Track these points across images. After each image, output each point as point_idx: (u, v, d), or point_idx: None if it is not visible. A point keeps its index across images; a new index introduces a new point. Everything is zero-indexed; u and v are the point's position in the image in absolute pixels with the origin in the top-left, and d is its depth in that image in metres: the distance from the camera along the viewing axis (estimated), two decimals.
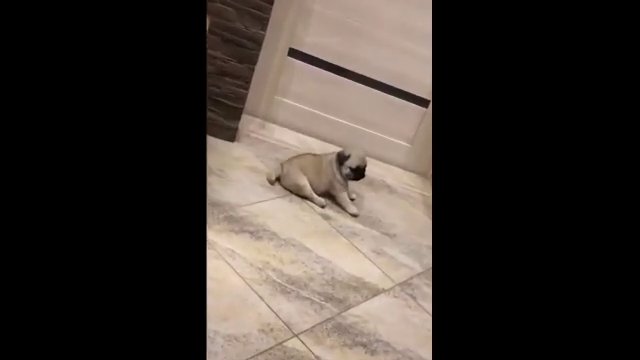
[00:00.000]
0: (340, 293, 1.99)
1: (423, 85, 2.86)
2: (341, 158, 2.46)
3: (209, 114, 2.56)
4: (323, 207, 2.45)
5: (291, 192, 2.46)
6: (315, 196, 2.45)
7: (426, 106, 2.94)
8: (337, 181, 2.48)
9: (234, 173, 2.44)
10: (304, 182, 2.44)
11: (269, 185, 2.45)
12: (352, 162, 2.45)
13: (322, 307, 1.90)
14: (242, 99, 2.57)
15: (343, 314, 1.90)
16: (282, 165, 2.49)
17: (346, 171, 2.46)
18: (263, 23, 2.41)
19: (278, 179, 2.48)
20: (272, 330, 1.73)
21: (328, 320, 1.86)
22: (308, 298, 1.91)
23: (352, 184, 2.57)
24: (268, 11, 2.39)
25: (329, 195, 2.52)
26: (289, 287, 1.93)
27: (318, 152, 2.66)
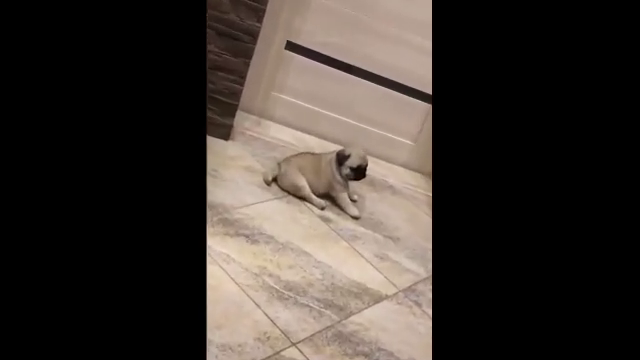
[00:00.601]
0: (340, 300, 1.99)
1: (427, 80, 2.85)
2: (341, 158, 2.45)
3: None
4: (322, 209, 2.45)
5: (289, 193, 2.45)
6: (314, 197, 2.45)
7: (431, 102, 2.93)
8: (337, 182, 2.48)
9: (228, 173, 2.43)
10: (302, 183, 2.44)
11: (265, 186, 2.45)
12: (352, 162, 2.44)
13: (321, 314, 1.89)
14: (237, 95, 2.56)
15: (344, 322, 1.90)
16: (279, 164, 2.49)
17: (346, 171, 2.46)
18: (259, 15, 2.40)
19: (275, 179, 2.47)
20: (269, 339, 1.73)
21: (328, 328, 1.85)
22: (307, 305, 1.91)
23: (353, 184, 2.57)
24: (264, 2, 2.38)
25: (329, 196, 2.51)
26: (287, 293, 1.92)
27: (317, 151, 2.66)
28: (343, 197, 2.50)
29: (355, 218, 2.48)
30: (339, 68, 2.86)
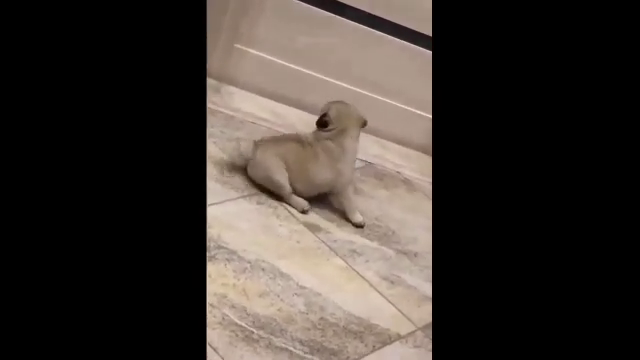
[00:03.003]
0: (333, 341, 2.00)
1: None
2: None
3: None
4: (304, 212, 2.46)
5: (260, 190, 2.46)
6: (293, 196, 2.47)
7: None
8: (347, 174, 2.49)
9: None
10: (283, 181, 2.45)
11: (225, 179, 2.45)
12: None
13: None
14: None
15: None
16: (256, 145, 2.48)
17: None
18: None
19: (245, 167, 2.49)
20: None
21: None
22: (285, 349, 1.92)
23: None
24: None
25: (318, 196, 2.52)
26: (257, 333, 1.93)
27: (301, 130, 2.65)
28: (351, 199, 2.51)
29: (358, 226, 2.50)
30: (333, 10, 2.86)
